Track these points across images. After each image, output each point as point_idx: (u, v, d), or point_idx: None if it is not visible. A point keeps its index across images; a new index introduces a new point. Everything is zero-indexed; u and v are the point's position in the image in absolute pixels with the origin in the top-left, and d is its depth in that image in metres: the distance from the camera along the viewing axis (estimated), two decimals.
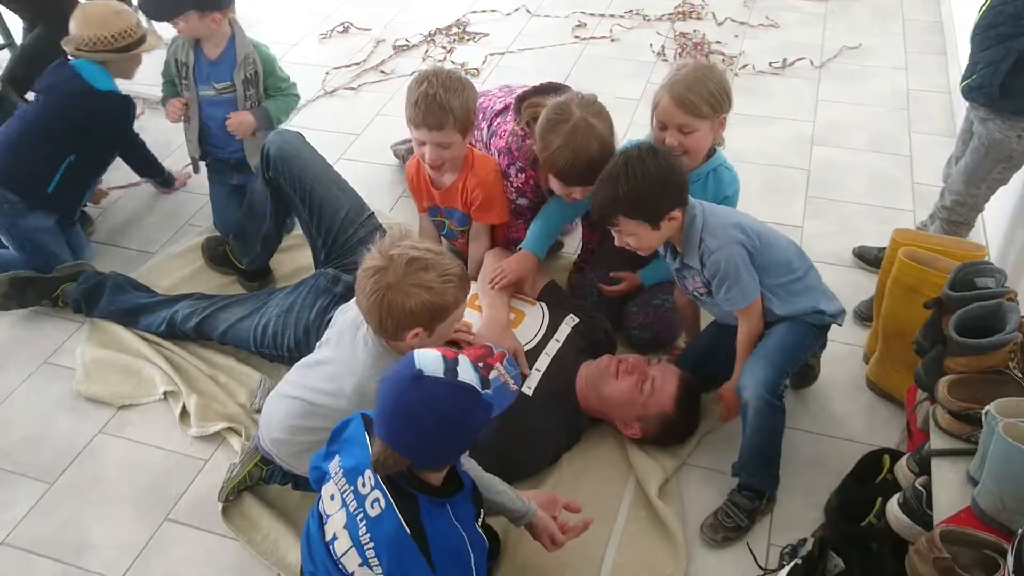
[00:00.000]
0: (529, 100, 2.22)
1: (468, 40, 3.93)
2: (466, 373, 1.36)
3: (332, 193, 2.30)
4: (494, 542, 1.74)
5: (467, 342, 2.04)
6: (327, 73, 3.67)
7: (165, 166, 2.97)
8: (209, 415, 2.14)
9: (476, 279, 2.20)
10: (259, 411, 2.10)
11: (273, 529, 1.88)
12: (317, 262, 2.37)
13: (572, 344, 2.10)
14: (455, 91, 2.04)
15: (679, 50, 3.73)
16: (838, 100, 3.38)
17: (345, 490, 1.48)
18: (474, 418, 1.38)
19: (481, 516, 1.53)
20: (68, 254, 2.56)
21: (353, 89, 3.57)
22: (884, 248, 2.28)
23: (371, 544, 1.42)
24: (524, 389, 1.98)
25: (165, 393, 2.22)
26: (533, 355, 2.05)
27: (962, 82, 2.07)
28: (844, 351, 2.26)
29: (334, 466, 1.52)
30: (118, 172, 2.90)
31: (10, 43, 3.57)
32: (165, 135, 3.29)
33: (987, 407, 1.37)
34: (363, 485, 1.45)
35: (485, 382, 1.38)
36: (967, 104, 2.12)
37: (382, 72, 3.70)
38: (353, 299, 1.85)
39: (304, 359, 1.90)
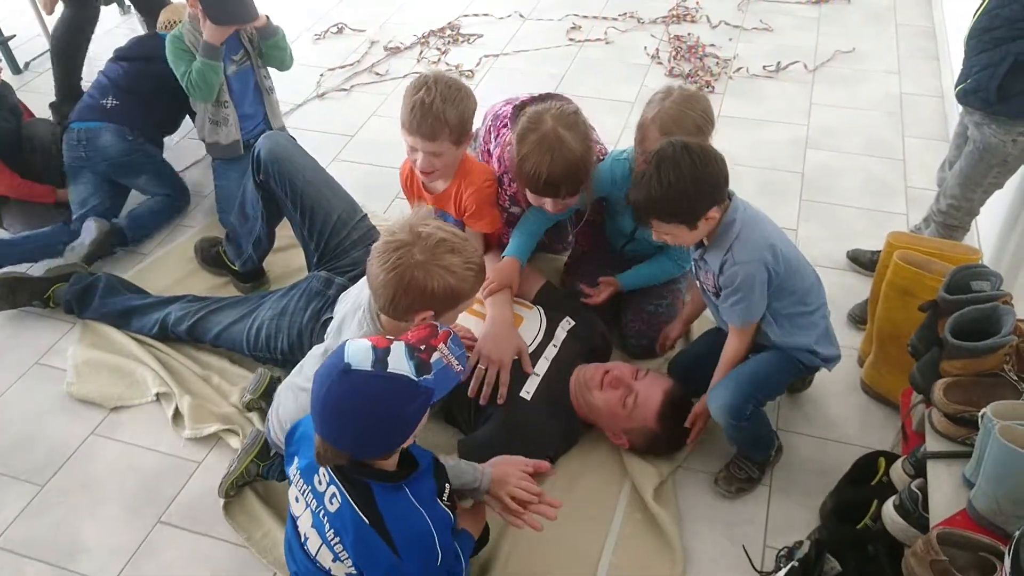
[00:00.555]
0: (524, 109, 2.21)
1: (463, 42, 3.93)
2: (398, 362, 1.33)
3: (324, 195, 2.29)
4: (483, 532, 1.73)
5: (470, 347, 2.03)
6: (321, 75, 3.67)
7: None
8: (203, 416, 2.13)
9: None
10: (248, 406, 2.11)
11: (274, 527, 1.87)
12: (310, 265, 2.36)
13: (569, 348, 2.10)
14: (453, 101, 1.99)
15: (673, 53, 3.74)
16: (832, 104, 3.39)
17: (304, 490, 1.49)
18: (408, 407, 1.35)
19: (446, 490, 1.53)
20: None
21: (346, 90, 3.56)
22: (878, 251, 2.30)
23: (336, 539, 1.43)
24: (523, 394, 1.97)
25: (157, 395, 2.21)
26: (532, 360, 2.04)
27: (957, 86, 2.08)
28: None
29: (293, 468, 1.53)
30: None
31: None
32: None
33: (983, 410, 1.38)
34: (319, 483, 1.46)
35: (423, 367, 1.34)
36: (961, 108, 2.12)
37: (376, 74, 3.69)
38: (352, 286, 1.86)
39: (315, 348, 1.88)
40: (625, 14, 4.10)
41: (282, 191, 2.28)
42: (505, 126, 2.35)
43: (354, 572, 1.44)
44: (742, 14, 4.09)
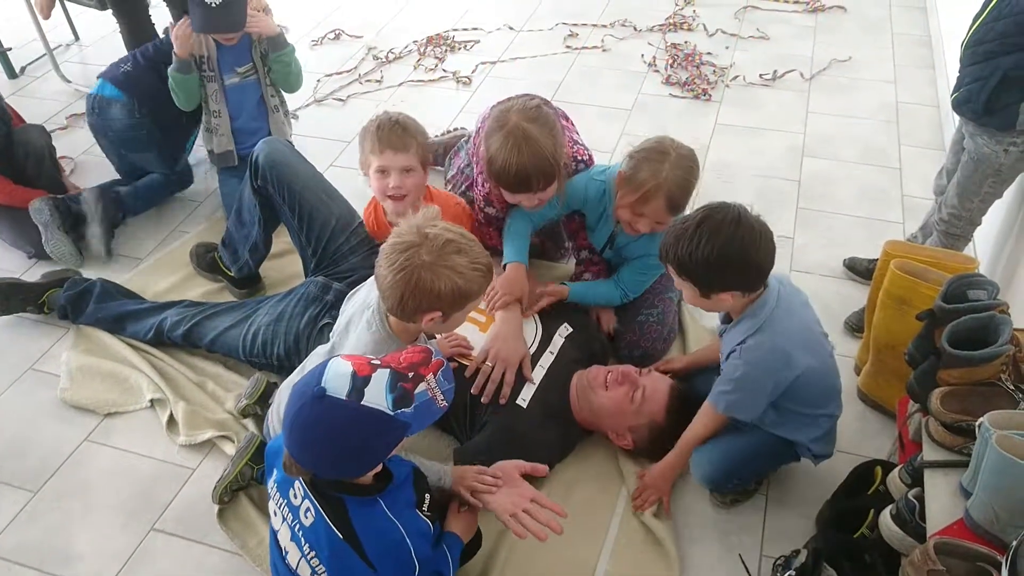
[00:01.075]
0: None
1: (459, 49, 3.93)
2: (375, 394, 1.29)
3: (321, 201, 2.29)
4: (474, 537, 1.73)
5: (467, 356, 2.03)
6: (318, 80, 3.67)
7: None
8: (198, 423, 2.11)
9: None
10: (243, 412, 2.09)
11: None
12: (307, 270, 2.36)
13: (566, 355, 2.10)
14: (411, 122, 2.14)
15: (670, 61, 3.75)
16: (828, 112, 3.40)
17: (280, 504, 1.48)
18: (378, 441, 1.33)
19: (426, 500, 1.52)
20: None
21: (342, 100, 3.56)
22: (874, 260, 2.30)
23: (312, 554, 1.43)
24: (519, 401, 1.97)
25: (152, 401, 2.20)
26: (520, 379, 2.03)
27: (952, 95, 2.09)
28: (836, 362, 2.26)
29: (271, 482, 1.52)
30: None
31: None
32: None
33: (981, 419, 1.37)
34: (295, 496, 1.45)
35: (403, 400, 1.31)
36: (959, 117, 2.13)
37: (377, 82, 3.69)
38: (358, 287, 1.86)
39: (319, 348, 1.88)
40: (616, 22, 4.11)
41: (280, 197, 2.28)
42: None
43: None
44: (739, 22, 4.10)
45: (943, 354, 1.57)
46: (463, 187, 2.55)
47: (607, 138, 3.16)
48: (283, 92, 2.82)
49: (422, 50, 3.90)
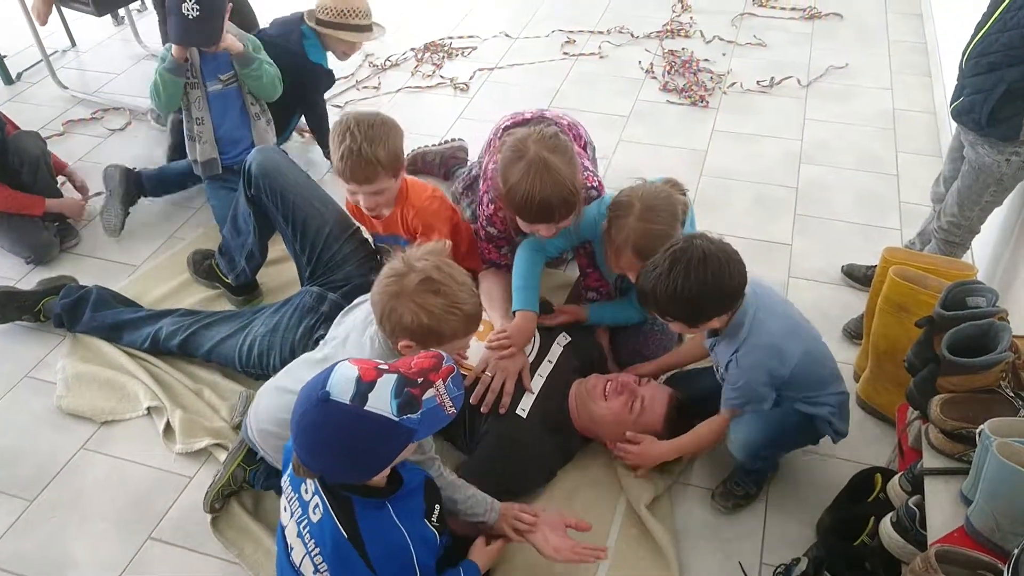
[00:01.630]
0: (505, 134, 2.19)
1: (457, 55, 3.93)
2: (379, 399, 1.29)
3: (315, 209, 2.27)
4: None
5: (464, 365, 2.02)
6: None
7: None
8: (195, 431, 2.10)
9: None
10: (237, 427, 2.08)
11: (265, 540, 1.86)
12: (302, 279, 2.35)
13: (565, 364, 2.09)
14: (379, 140, 2.01)
15: (667, 67, 3.75)
16: (825, 119, 3.41)
17: (291, 498, 1.49)
18: (382, 446, 1.33)
19: (436, 510, 1.52)
20: None
21: (339, 107, 3.55)
22: (873, 266, 2.30)
23: (317, 550, 1.43)
24: (518, 411, 1.96)
25: (148, 409, 2.19)
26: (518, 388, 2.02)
27: (951, 103, 2.09)
28: None
29: (285, 477, 1.53)
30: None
31: None
32: (153, 147, 3.28)
33: (981, 426, 1.37)
34: (306, 491, 1.46)
35: (409, 405, 1.30)
36: (957, 125, 2.13)
37: (374, 88, 3.69)
38: (359, 298, 1.88)
39: (307, 355, 1.88)
40: (613, 29, 4.11)
41: (273, 205, 2.27)
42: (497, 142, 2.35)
43: None
44: (735, 29, 4.11)
45: (943, 361, 1.57)
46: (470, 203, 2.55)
47: (604, 145, 3.16)
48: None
49: (420, 57, 3.91)
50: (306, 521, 1.44)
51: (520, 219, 2.02)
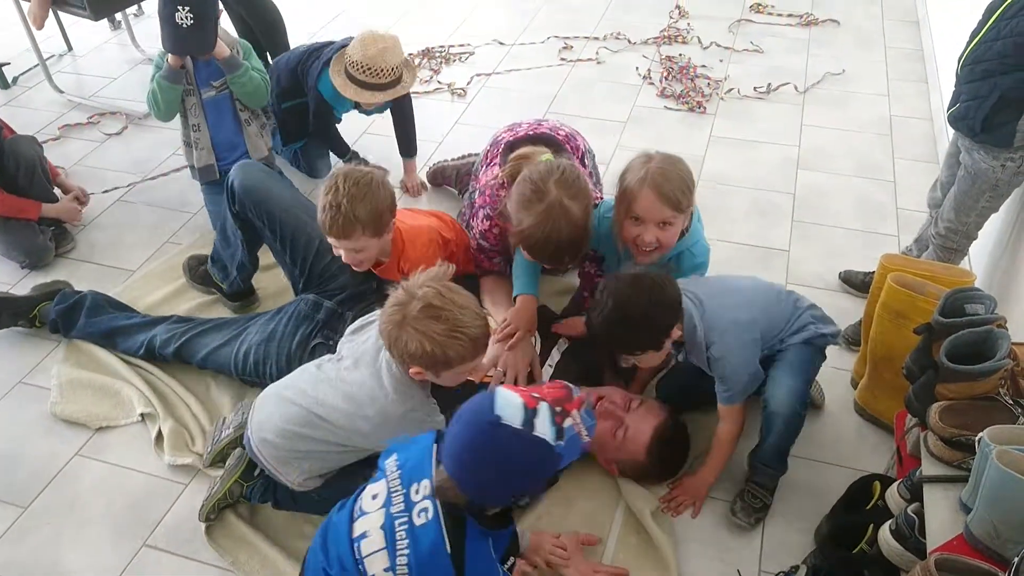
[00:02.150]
0: (517, 151, 2.17)
1: (455, 61, 3.93)
2: (543, 426, 1.34)
3: (303, 222, 2.25)
4: None
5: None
6: None
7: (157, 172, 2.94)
8: (180, 447, 2.09)
9: None
10: (211, 464, 2.02)
11: (262, 548, 1.84)
12: (296, 289, 2.34)
13: (565, 369, 2.08)
14: (362, 198, 1.98)
15: (665, 73, 3.75)
16: (823, 125, 3.41)
17: (396, 490, 1.47)
18: (542, 471, 1.38)
19: (511, 561, 1.55)
20: None
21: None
22: (871, 272, 2.30)
23: (406, 551, 1.42)
24: None
25: (142, 415, 2.17)
26: (528, 382, 2.03)
27: (948, 109, 2.09)
28: (832, 375, 2.26)
29: (391, 463, 1.52)
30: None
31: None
32: (150, 151, 3.28)
33: (980, 434, 1.37)
34: (416, 492, 1.46)
35: (560, 433, 1.35)
36: (954, 131, 2.14)
37: None
38: (367, 316, 1.89)
39: (310, 367, 1.88)
40: (610, 35, 4.12)
41: (260, 221, 2.27)
42: (498, 155, 2.34)
43: None
44: (733, 36, 4.12)
45: (941, 368, 1.57)
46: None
47: (602, 151, 3.16)
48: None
49: (417, 62, 3.91)
50: (406, 519, 1.44)
51: (527, 254, 2.02)
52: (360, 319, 1.91)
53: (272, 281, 2.59)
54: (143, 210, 2.98)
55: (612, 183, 2.76)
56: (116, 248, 2.80)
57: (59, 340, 2.41)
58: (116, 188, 3.05)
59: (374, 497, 1.49)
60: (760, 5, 4.38)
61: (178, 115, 2.69)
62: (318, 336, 2.12)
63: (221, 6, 2.61)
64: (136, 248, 2.80)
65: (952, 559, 1.31)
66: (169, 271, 2.67)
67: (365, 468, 1.92)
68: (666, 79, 3.72)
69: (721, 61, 3.89)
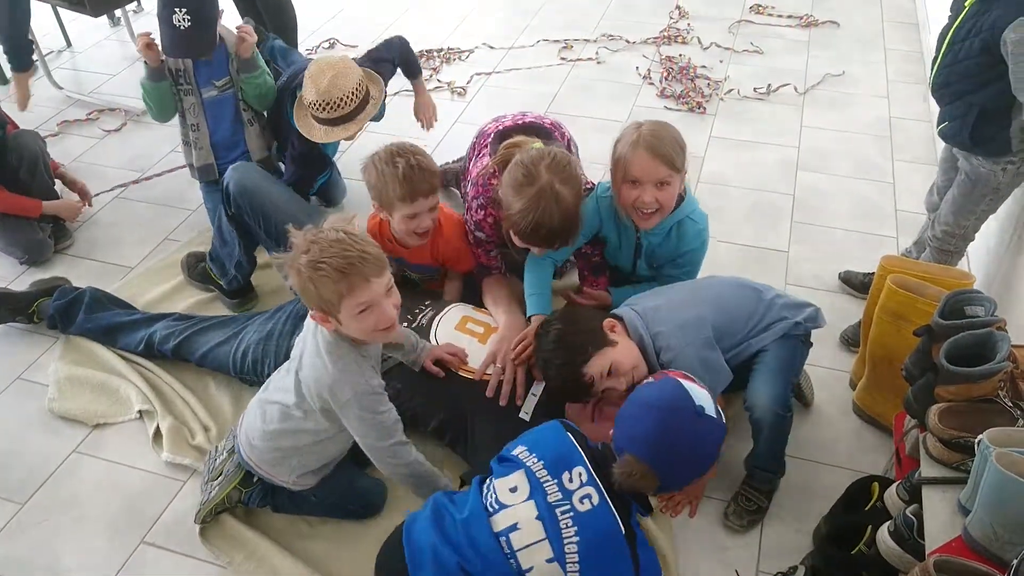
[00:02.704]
0: (508, 140, 2.18)
1: (455, 60, 3.93)
2: (715, 411, 1.54)
3: (299, 222, 2.21)
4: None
5: (461, 366, 2.01)
6: None
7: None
8: (180, 445, 2.08)
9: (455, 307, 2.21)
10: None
11: (259, 547, 1.84)
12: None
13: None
14: (424, 155, 2.09)
15: (664, 74, 3.75)
16: (822, 126, 3.41)
17: (546, 481, 1.49)
18: (718, 452, 1.56)
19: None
20: None
21: None
22: (870, 273, 2.32)
23: (574, 538, 1.44)
24: (522, 415, 1.95)
25: (140, 412, 2.17)
26: (528, 381, 2.00)
27: (938, 127, 2.11)
28: (830, 376, 2.26)
29: (528, 457, 1.54)
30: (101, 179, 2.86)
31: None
32: (149, 148, 3.27)
33: (980, 436, 1.37)
34: (570, 480, 1.49)
35: (720, 415, 1.55)
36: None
37: None
38: None
39: (285, 365, 1.87)
40: (609, 35, 4.12)
41: (255, 223, 2.28)
42: (486, 146, 2.34)
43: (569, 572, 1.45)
44: (733, 36, 4.12)
45: (941, 370, 1.57)
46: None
47: (601, 150, 3.14)
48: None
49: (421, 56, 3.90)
50: (567, 506, 1.46)
51: (517, 238, 2.03)
52: None
53: (271, 278, 2.59)
54: (142, 207, 2.98)
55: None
56: (115, 245, 2.80)
57: (57, 336, 2.40)
58: (121, 186, 3.04)
59: (513, 490, 1.51)
60: (760, 6, 4.38)
61: (178, 114, 2.68)
62: None
63: (228, 5, 2.58)
64: (135, 245, 2.79)
65: (951, 561, 1.31)
66: (167, 268, 2.67)
67: (357, 463, 1.94)
68: (666, 79, 3.72)
69: (721, 62, 3.89)
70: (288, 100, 2.56)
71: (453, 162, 2.99)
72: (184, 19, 2.39)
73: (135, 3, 4.22)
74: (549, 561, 1.44)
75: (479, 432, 1.94)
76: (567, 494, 1.47)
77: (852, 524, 1.73)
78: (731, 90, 3.65)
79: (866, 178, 3.10)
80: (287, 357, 2.09)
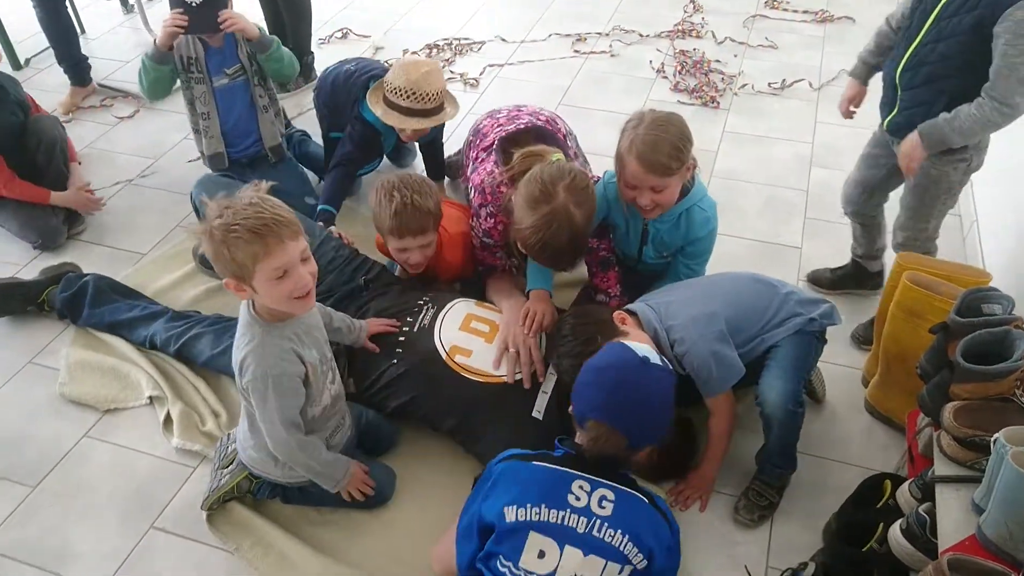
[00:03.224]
0: (523, 151, 2.14)
1: (468, 51, 3.92)
2: (661, 361, 1.57)
3: None
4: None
5: (468, 368, 1.98)
6: None
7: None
8: (191, 431, 2.09)
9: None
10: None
11: (268, 534, 1.84)
12: None
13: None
14: (426, 193, 2.10)
15: (679, 68, 3.73)
16: (836, 122, 3.36)
17: (560, 518, 1.45)
18: (673, 401, 1.55)
19: None
20: None
21: None
22: (837, 268, 2.45)
23: (625, 538, 1.45)
24: (535, 413, 1.93)
25: (151, 397, 2.17)
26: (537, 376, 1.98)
27: (885, 119, 2.07)
28: (842, 373, 2.25)
29: (525, 512, 1.46)
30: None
31: None
32: (161, 135, 3.27)
33: (996, 435, 1.36)
34: (576, 499, 1.47)
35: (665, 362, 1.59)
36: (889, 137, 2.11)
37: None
38: None
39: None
40: (622, 28, 4.09)
41: None
42: (486, 150, 2.32)
43: (640, 567, 1.45)
44: (747, 31, 4.09)
45: (956, 368, 1.56)
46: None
47: (613, 144, 3.14)
48: (275, 92, 2.81)
49: (429, 53, 3.89)
50: (596, 523, 1.45)
51: (524, 251, 2.03)
52: None
53: None
54: (154, 194, 2.98)
55: None
56: (127, 231, 2.80)
57: (68, 323, 2.41)
58: (143, 175, 3.04)
59: (541, 555, 1.44)
60: (775, 1, 4.35)
61: (187, 103, 2.69)
62: None
63: None
64: (146, 232, 2.80)
65: (965, 560, 1.30)
66: (179, 256, 2.67)
67: (365, 452, 1.95)
68: (680, 73, 3.70)
69: (735, 56, 3.86)
70: (360, 88, 2.62)
71: (455, 154, 2.99)
72: None
73: None
74: (620, 572, 1.44)
75: (492, 434, 1.91)
76: (586, 513, 1.45)
77: (863, 521, 1.72)
78: (745, 85, 3.62)
79: None
80: None
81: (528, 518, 1.46)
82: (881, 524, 1.64)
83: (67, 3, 3.39)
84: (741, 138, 3.28)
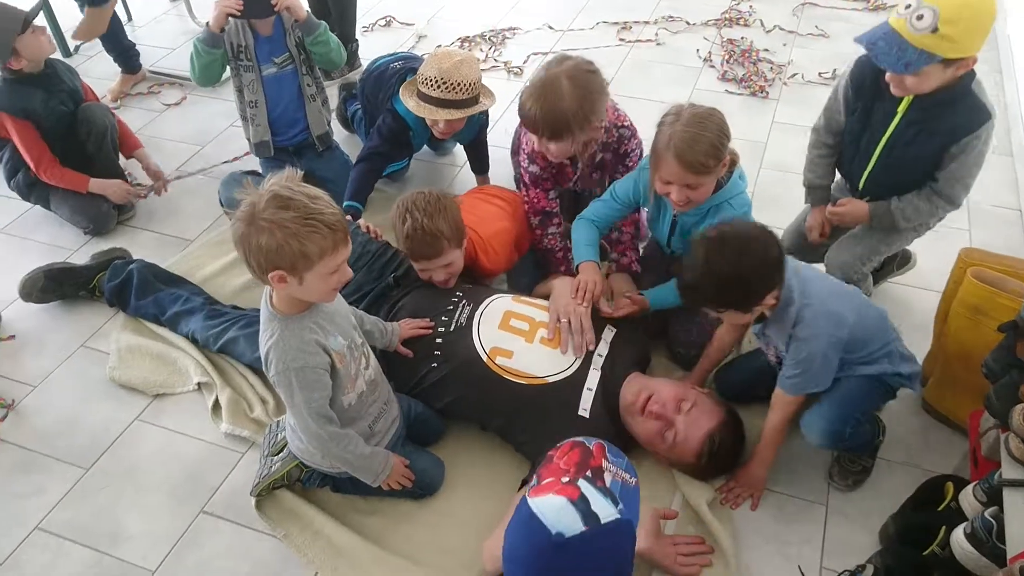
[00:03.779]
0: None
1: (510, 40, 3.89)
2: (598, 504, 1.17)
3: None
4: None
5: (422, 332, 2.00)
6: None
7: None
8: (239, 417, 2.10)
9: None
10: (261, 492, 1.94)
11: (315, 520, 1.85)
12: None
13: (617, 356, 2.02)
14: (439, 214, 2.04)
15: (726, 56, 3.67)
16: None
17: None
18: (628, 549, 1.24)
19: None
20: None
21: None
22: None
23: None
24: (580, 412, 1.90)
25: (199, 384, 2.19)
26: (582, 373, 1.96)
27: (861, 188, 2.10)
28: None
29: None
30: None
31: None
32: (207, 122, 3.30)
33: None
34: None
35: (613, 496, 1.19)
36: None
37: None
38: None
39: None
40: (668, 16, 4.03)
41: None
42: None
43: None
44: (796, 19, 4.01)
45: None
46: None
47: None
48: (322, 81, 2.81)
49: (472, 40, 3.87)
50: None
51: (528, 131, 2.12)
52: None
53: None
54: (202, 181, 3.00)
55: None
56: (175, 217, 2.83)
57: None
58: (202, 170, 3.06)
59: None
60: None
61: (236, 90, 2.70)
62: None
63: None
64: (194, 218, 2.82)
65: None
66: (225, 243, 2.68)
67: (415, 442, 1.95)
68: (727, 62, 3.63)
69: (784, 45, 3.78)
70: (396, 81, 2.59)
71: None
72: None
73: None
74: None
75: (541, 434, 1.86)
76: None
77: (923, 524, 1.67)
78: (795, 74, 3.55)
79: None
80: None
81: None
82: (943, 528, 1.59)
83: None
84: (791, 129, 3.21)
